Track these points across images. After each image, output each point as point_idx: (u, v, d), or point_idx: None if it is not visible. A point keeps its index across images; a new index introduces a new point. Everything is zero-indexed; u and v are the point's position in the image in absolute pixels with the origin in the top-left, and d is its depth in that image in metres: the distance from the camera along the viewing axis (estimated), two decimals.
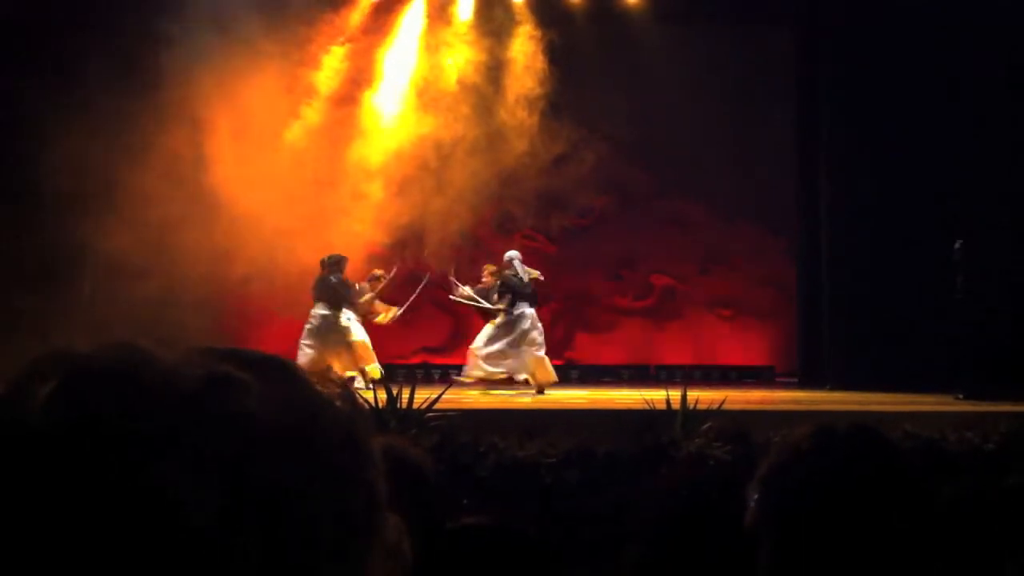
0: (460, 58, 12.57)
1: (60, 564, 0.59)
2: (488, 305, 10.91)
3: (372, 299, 11.16)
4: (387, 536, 0.71)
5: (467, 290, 11.22)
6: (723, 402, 6.95)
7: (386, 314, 11.30)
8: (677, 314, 13.97)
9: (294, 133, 12.19)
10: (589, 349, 13.95)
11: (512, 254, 11.06)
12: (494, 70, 12.66)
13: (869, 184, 11.78)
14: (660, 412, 6.84)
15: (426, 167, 12.51)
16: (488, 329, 10.80)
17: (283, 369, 0.69)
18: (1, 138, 10.33)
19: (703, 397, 7.13)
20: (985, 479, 2.92)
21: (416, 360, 13.36)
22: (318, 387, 0.70)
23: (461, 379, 10.45)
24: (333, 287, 10.71)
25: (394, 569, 1.58)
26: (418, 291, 11.45)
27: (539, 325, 10.74)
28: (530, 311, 10.71)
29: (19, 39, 10.31)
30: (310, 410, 0.68)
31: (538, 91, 12.46)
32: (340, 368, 10.59)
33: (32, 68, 9.72)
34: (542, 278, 10.98)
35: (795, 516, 1.44)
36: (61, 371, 0.63)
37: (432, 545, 2.01)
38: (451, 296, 11.47)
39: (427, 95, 12.60)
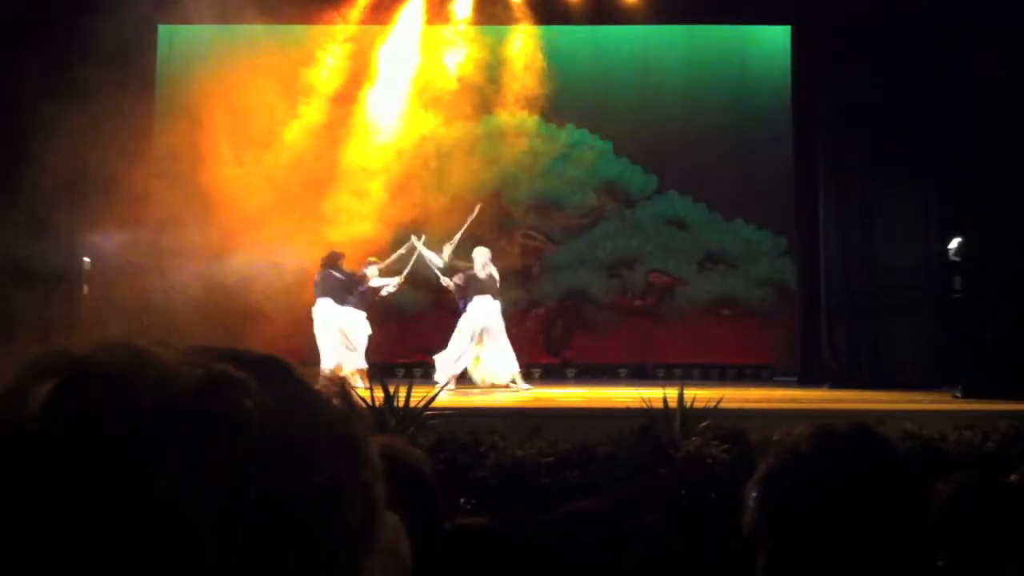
0: (460, 56, 12.57)
1: (59, 564, 0.59)
2: (437, 269, 10.94)
3: (384, 273, 11.06)
4: (385, 536, 0.71)
5: (430, 254, 11.16)
6: (720, 400, 6.92)
7: (391, 286, 11.20)
8: (676, 313, 13.96)
9: (293, 132, 12.18)
10: (588, 348, 13.94)
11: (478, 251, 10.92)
12: (494, 69, 12.66)
13: (868, 184, 11.80)
14: (658, 411, 6.81)
15: (426, 166, 12.51)
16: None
17: (281, 369, 0.69)
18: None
19: (701, 396, 7.08)
20: (984, 478, 2.92)
21: (416, 359, 13.34)
22: (316, 386, 0.70)
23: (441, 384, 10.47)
24: (339, 279, 10.66)
25: (393, 569, 1.58)
26: (414, 258, 11.28)
27: (491, 321, 10.59)
28: (488, 305, 10.60)
29: (18, 38, 10.31)
30: (308, 410, 0.68)
31: (538, 91, 12.46)
32: (343, 366, 10.58)
33: (30, 68, 9.71)
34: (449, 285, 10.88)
35: (794, 516, 1.44)
36: (59, 371, 0.63)
37: (430, 545, 2.01)
38: (413, 243, 11.31)
39: (427, 94, 12.59)
